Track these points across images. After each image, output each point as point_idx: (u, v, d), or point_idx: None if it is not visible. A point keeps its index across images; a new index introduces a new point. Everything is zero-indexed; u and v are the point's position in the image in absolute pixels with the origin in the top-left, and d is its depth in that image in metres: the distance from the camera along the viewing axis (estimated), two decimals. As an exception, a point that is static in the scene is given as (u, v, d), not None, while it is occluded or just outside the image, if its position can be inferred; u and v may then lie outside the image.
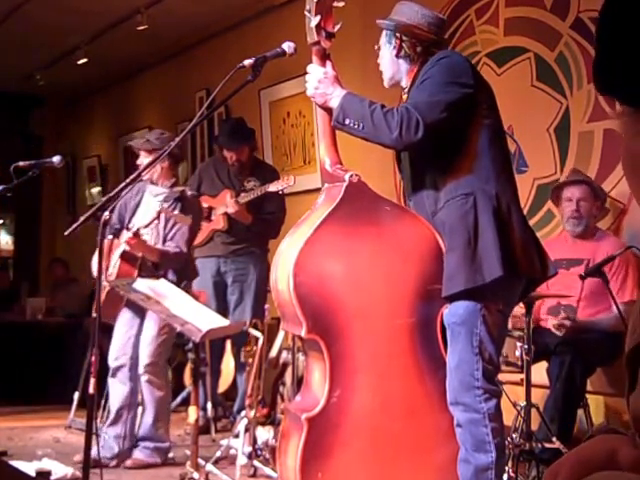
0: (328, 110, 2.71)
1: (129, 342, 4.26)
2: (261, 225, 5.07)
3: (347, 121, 2.59)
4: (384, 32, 2.83)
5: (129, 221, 4.35)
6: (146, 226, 4.01)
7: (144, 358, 4.20)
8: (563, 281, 3.57)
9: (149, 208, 4.26)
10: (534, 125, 4.62)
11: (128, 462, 4.17)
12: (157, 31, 6.83)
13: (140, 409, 4.37)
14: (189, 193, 4.33)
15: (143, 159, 4.33)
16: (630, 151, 0.85)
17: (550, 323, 3.87)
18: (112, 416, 4.25)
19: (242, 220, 5.01)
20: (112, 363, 4.22)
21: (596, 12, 4.32)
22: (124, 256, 4.15)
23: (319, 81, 2.68)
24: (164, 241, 4.23)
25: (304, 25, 2.72)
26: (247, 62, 2.61)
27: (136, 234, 4.01)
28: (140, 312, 4.22)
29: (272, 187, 4.75)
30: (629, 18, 0.79)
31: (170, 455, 4.36)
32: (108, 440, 4.18)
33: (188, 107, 7.32)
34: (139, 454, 4.23)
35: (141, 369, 4.21)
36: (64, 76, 8.22)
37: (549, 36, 4.56)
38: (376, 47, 2.88)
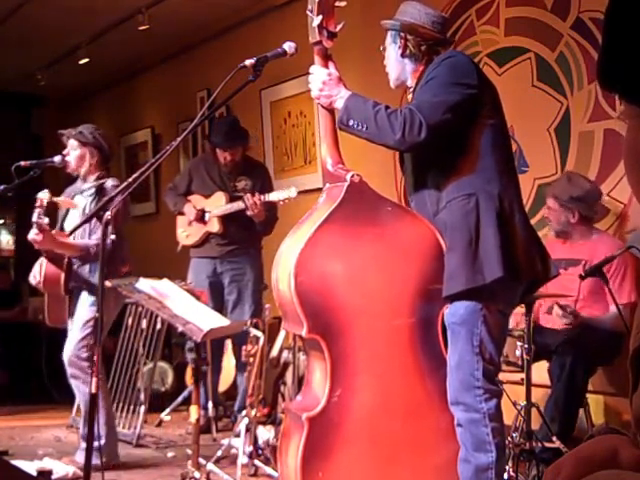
0: (330, 110, 2.72)
1: None
2: (266, 223, 5.04)
3: (351, 122, 2.60)
4: (389, 33, 2.84)
5: (62, 223, 4.31)
6: (36, 220, 3.89)
7: (67, 351, 4.14)
8: (561, 281, 3.58)
9: (80, 206, 4.24)
10: (534, 125, 4.62)
11: (73, 463, 4.04)
12: (158, 31, 6.83)
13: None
14: (110, 184, 4.20)
15: (71, 150, 4.30)
16: (635, 145, 0.85)
17: (555, 312, 3.84)
18: (83, 416, 4.20)
19: (257, 218, 4.96)
20: (65, 360, 4.17)
21: (597, 12, 4.32)
22: (48, 258, 4.13)
23: (324, 83, 2.69)
24: (90, 234, 4.16)
25: (305, 25, 2.72)
26: (248, 62, 2.61)
27: (40, 229, 3.91)
28: (73, 309, 4.20)
29: (273, 197, 4.71)
30: (635, 12, 0.80)
31: (170, 454, 4.36)
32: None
33: (189, 107, 7.33)
34: (80, 456, 3.99)
35: (65, 363, 4.14)
36: (65, 76, 8.23)
37: (550, 36, 4.57)
38: (381, 48, 2.89)
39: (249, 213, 4.87)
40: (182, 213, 5.29)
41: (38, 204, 3.92)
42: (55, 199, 4.06)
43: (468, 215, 2.57)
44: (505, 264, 2.51)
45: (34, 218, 3.90)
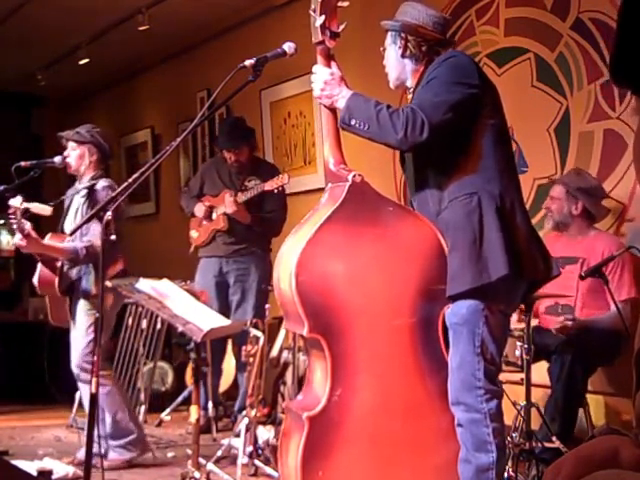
0: (333, 109, 2.72)
1: None
2: (261, 224, 5.07)
3: (353, 122, 2.60)
4: (389, 33, 2.84)
5: (62, 225, 4.29)
6: (16, 226, 3.88)
7: (74, 359, 4.13)
8: (559, 280, 3.59)
9: (75, 207, 4.24)
10: (534, 125, 4.62)
11: (106, 464, 3.96)
12: (158, 31, 6.84)
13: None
14: (101, 185, 4.18)
15: (71, 151, 4.29)
16: None
17: (552, 326, 3.87)
18: (110, 417, 4.22)
19: (241, 220, 5.02)
20: (73, 367, 4.16)
21: (596, 13, 4.33)
22: (42, 261, 4.12)
23: (325, 82, 2.69)
24: (80, 237, 4.12)
25: (305, 25, 2.73)
26: (248, 62, 2.62)
27: (26, 234, 3.90)
28: (72, 313, 4.19)
29: (267, 186, 4.76)
30: None
31: (170, 454, 4.36)
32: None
33: (189, 107, 7.33)
34: (113, 454, 4.15)
35: (74, 370, 4.13)
36: (65, 76, 8.23)
37: (549, 36, 4.57)
38: (381, 49, 2.89)
39: (227, 212, 4.93)
40: (194, 214, 5.32)
41: (11, 211, 3.88)
42: (26, 205, 4.03)
43: (471, 214, 2.58)
44: (509, 262, 2.51)
45: (13, 225, 3.89)
